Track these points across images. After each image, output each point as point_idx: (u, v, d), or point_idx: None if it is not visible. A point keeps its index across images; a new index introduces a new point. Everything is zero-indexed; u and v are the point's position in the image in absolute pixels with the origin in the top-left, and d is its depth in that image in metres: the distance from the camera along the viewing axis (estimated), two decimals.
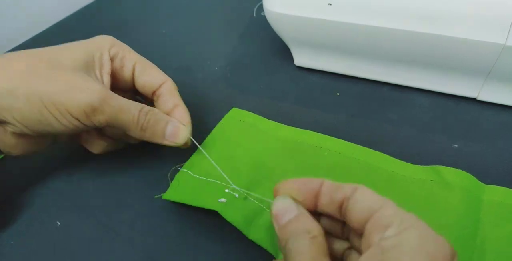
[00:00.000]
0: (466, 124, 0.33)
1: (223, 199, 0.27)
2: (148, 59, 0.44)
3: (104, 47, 0.28)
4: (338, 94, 0.37)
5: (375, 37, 0.33)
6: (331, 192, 0.20)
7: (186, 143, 0.29)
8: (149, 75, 0.30)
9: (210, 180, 0.28)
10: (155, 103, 0.30)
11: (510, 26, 0.29)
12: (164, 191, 0.29)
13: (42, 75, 0.24)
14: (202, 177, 0.29)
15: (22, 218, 0.29)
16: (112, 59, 0.29)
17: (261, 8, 0.48)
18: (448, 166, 0.29)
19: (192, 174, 0.29)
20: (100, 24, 0.49)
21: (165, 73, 0.37)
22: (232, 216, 0.26)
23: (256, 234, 0.25)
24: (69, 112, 0.24)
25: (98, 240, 0.27)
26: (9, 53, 0.26)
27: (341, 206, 0.19)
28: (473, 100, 0.35)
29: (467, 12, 0.29)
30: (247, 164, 0.30)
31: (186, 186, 0.29)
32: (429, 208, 0.27)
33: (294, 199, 0.20)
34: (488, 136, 0.32)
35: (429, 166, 0.29)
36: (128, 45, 0.44)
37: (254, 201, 0.27)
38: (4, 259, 0.27)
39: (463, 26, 0.30)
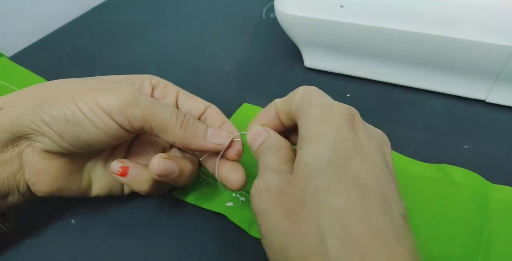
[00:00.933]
0: (476, 126, 0.34)
1: (230, 203, 0.28)
2: (159, 60, 0.45)
3: (145, 77, 0.28)
4: (348, 95, 0.37)
5: (386, 39, 0.33)
6: (283, 107, 0.23)
7: (239, 152, 0.26)
8: (193, 101, 0.28)
9: (219, 184, 0.29)
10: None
11: None
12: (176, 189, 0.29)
13: (73, 81, 0.24)
14: (211, 180, 0.29)
15: (37, 216, 0.29)
16: (153, 88, 0.28)
17: (270, 10, 0.48)
18: (459, 166, 0.29)
19: (202, 176, 0.30)
20: (111, 26, 0.49)
21: (177, 74, 0.38)
22: (239, 219, 0.27)
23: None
24: (101, 107, 0.22)
25: (112, 238, 0.28)
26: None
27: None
28: (483, 102, 0.35)
29: (478, 15, 0.30)
30: (255, 168, 0.30)
31: (196, 187, 0.29)
32: (436, 204, 0.28)
33: (263, 126, 0.24)
34: (498, 137, 0.33)
35: (437, 164, 0.30)
36: (140, 47, 0.45)
37: None
38: (21, 257, 0.27)
39: (473, 28, 0.30)
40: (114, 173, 0.25)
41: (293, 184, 0.19)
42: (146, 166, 0.25)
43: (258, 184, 0.21)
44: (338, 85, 0.38)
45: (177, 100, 0.28)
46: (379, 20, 0.32)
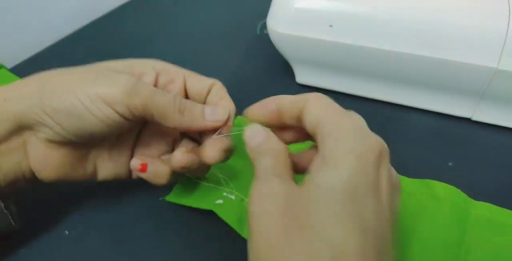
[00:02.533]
0: (461, 143, 0.35)
1: (220, 201, 0.29)
2: None
3: (147, 63, 0.27)
4: None
5: (374, 58, 0.34)
6: (289, 108, 0.22)
7: (228, 126, 0.27)
8: (199, 81, 0.28)
9: (210, 185, 0.30)
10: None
11: (501, 50, 0.30)
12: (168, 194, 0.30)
13: (72, 71, 0.25)
14: (203, 182, 0.31)
15: (31, 225, 0.30)
16: (158, 74, 0.28)
17: (264, 26, 0.50)
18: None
19: (194, 179, 0.31)
20: (111, 38, 0.51)
21: None
22: (227, 215, 0.28)
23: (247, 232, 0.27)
24: (102, 98, 0.23)
25: (105, 249, 0.28)
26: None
27: (300, 117, 0.22)
28: (468, 120, 0.36)
29: (462, 36, 0.31)
30: (246, 167, 0.32)
31: (188, 189, 0.31)
32: (417, 218, 0.28)
33: (262, 126, 0.23)
34: (482, 155, 0.34)
35: (421, 179, 0.31)
36: None
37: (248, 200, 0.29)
38: None
39: (458, 49, 0.31)
40: (134, 169, 0.27)
41: (299, 202, 0.19)
42: (163, 160, 0.27)
43: (261, 187, 0.20)
44: None
45: (184, 83, 0.28)
46: (367, 40, 0.34)
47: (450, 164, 0.33)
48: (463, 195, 0.30)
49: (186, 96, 0.29)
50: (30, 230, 0.30)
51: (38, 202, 0.32)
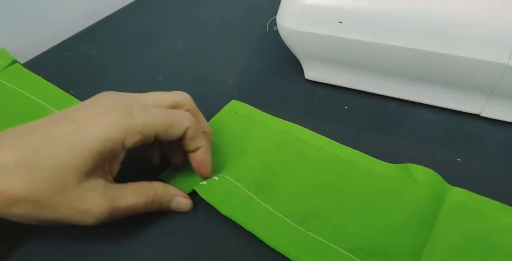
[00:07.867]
0: (470, 139, 0.35)
1: (204, 182, 0.31)
2: (166, 70, 0.45)
3: (127, 136, 0.26)
4: (346, 107, 0.38)
5: (383, 55, 0.34)
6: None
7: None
8: (171, 134, 0.28)
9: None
10: (182, 141, 0.29)
11: None
12: None
13: (48, 202, 0.24)
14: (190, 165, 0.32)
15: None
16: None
17: (273, 22, 0.50)
18: (451, 179, 0.30)
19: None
20: (122, 35, 0.51)
21: (183, 84, 0.38)
22: (209, 195, 0.30)
23: (228, 210, 0.29)
24: (78, 225, 0.26)
25: (125, 244, 0.29)
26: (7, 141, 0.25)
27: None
28: (477, 116, 0.36)
29: (473, 32, 0.31)
30: (236, 151, 0.33)
31: (178, 170, 0.32)
32: (394, 201, 0.29)
33: None
34: (490, 151, 0.34)
35: (402, 164, 0.31)
36: (148, 57, 0.47)
37: (231, 180, 0.31)
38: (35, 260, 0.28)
39: (468, 45, 0.31)
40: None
41: None
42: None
43: None
44: (336, 97, 0.40)
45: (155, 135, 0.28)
46: (376, 36, 0.34)
47: (459, 159, 0.33)
48: (441, 180, 0.30)
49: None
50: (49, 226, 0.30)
51: None
